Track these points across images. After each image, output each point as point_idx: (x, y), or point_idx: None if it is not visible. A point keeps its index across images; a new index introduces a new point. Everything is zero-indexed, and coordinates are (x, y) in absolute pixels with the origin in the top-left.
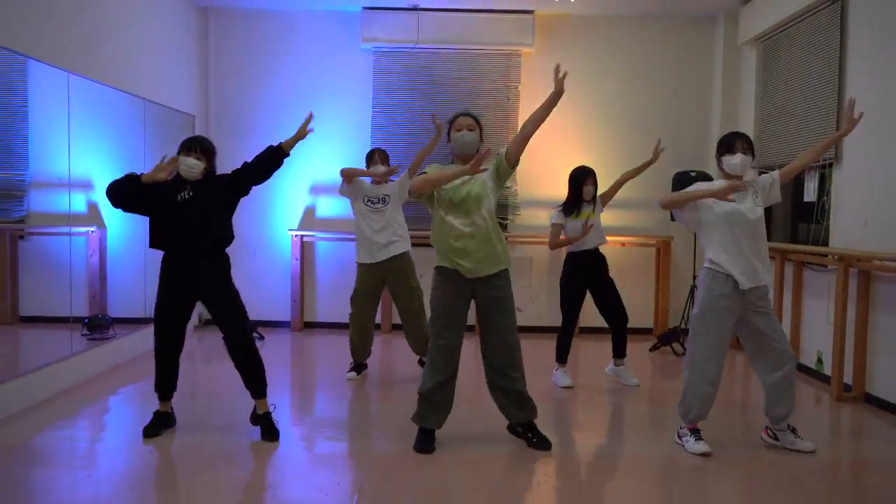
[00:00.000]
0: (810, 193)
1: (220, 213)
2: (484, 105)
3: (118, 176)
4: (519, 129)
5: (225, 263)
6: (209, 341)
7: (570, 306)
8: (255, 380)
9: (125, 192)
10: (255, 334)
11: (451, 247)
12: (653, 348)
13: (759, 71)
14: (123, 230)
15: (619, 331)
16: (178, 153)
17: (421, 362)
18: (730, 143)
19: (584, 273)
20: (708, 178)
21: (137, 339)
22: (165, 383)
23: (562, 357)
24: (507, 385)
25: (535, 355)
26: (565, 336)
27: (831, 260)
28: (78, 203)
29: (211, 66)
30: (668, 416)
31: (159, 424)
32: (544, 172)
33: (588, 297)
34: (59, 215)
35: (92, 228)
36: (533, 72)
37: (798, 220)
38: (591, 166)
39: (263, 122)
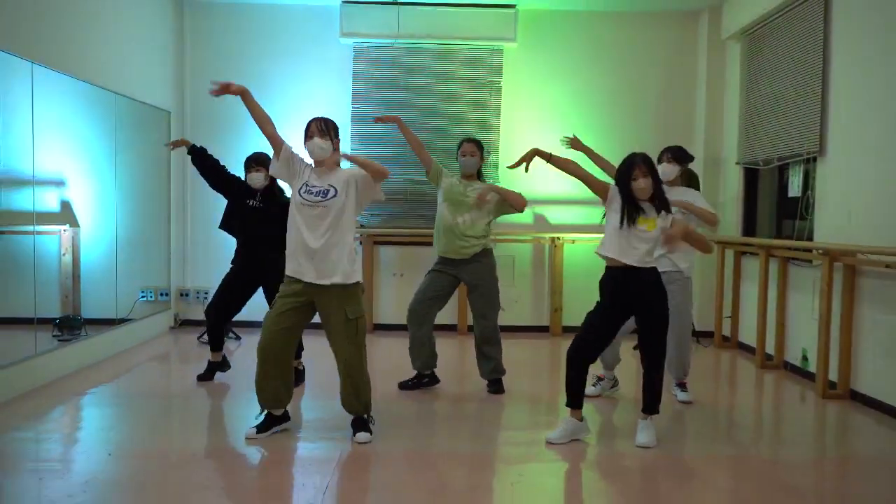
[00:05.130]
0: (795, 188)
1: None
2: (465, 101)
3: (89, 174)
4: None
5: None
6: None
7: (586, 328)
8: None
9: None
10: (230, 335)
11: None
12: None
13: (744, 65)
14: (97, 229)
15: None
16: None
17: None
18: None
19: (618, 295)
20: (693, 176)
21: (109, 340)
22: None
23: (570, 399)
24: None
25: (516, 356)
26: (569, 371)
27: (816, 255)
28: (50, 201)
29: (187, 61)
30: None
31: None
32: (530, 171)
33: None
34: (28, 213)
35: (65, 227)
36: (515, 68)
37: (782, 216)
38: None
39: (241, 119)
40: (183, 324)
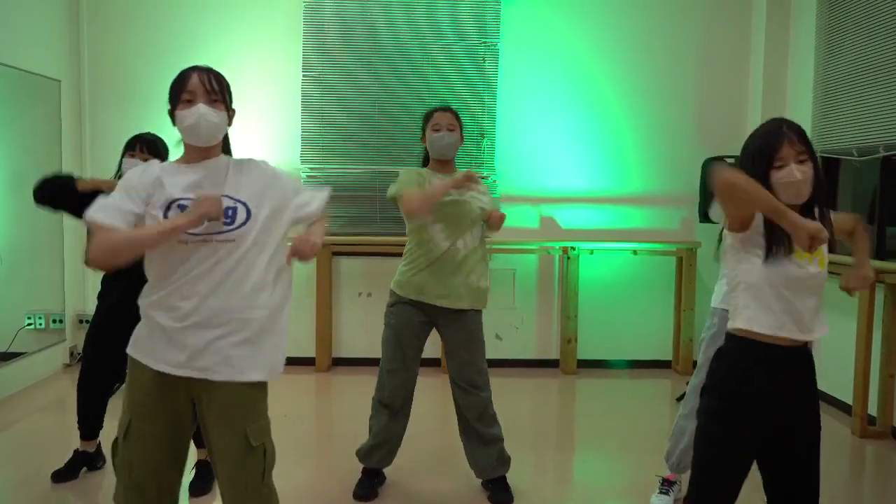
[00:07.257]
0: None
1: None
2: (452, 67)
3: None
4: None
5: None
6: None
7: (710, 470)
8: None
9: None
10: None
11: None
12: (681, 397)
13: (821, 16)
14: None
15: None
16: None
17: None
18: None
19: (770, 401)
20: None
21: None
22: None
23: None
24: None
25: (517, 407)
26: None
27: None
28: None
29: (84, 16)
30: None
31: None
32: (534, 160)
33: None
34: None
35: None
36: (516, 25)
37: (886, 224)
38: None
39: (155, 89)
40: (82, 359)
